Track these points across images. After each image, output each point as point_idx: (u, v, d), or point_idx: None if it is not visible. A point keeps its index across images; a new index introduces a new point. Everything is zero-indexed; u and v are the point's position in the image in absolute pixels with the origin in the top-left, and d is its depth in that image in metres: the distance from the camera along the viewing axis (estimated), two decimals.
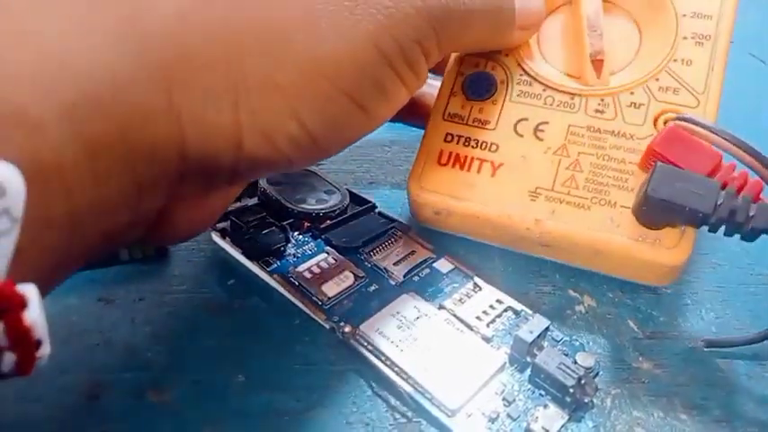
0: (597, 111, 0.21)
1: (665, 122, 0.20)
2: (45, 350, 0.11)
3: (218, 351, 0.18)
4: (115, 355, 0.18)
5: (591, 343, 0.19)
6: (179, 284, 0.20)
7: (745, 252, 0.23)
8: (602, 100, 0.21)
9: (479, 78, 0.22)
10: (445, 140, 0.21)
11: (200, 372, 0.17)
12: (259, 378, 0.17)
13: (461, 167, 0.21)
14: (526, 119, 0.21)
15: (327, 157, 0.18)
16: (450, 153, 0.21)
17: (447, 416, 0.16)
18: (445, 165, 0.21)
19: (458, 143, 0.21)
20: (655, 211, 0.18)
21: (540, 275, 0.21)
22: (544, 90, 0.21)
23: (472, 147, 0.21)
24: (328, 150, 0.17)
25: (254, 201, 0.23)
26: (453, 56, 0.23)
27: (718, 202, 0.17)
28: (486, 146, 0.21)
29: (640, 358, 0.18)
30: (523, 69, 0.22)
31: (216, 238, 0.22)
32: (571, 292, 0.21)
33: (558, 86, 0.21)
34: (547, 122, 0.21)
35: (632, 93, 0.20)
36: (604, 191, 0.19)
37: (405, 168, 0.28)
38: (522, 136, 0.21)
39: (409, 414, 0.16)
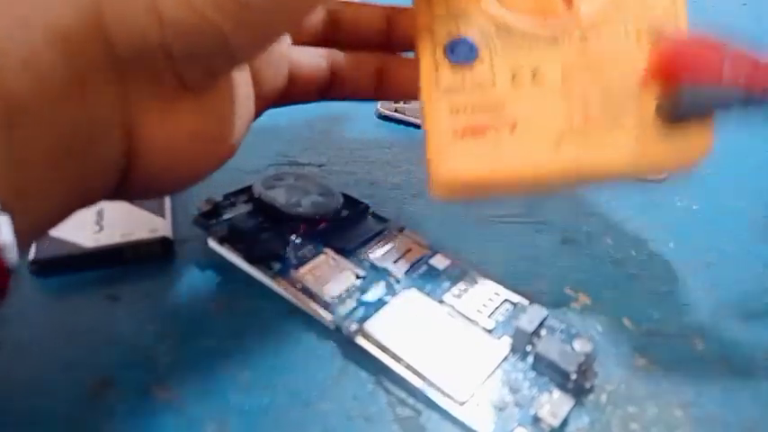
0: (581, 39, 0.21)
1: (650, 41, 0.20)
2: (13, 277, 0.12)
3: (222, 348, 0.18)
4: (121, 352, 0.18)
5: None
6: (184, 283, 0.21)
7: (741, 251, 0.23)
8: (581, 32, 0.21)
9: (459, 43, 0.22)
10: (452, 114, 0.22)
11: (204, 369, 0.18)
12: (262, 375, 0.17)
13: (478, 136, 0.21)
14: (520, 68, 0.21)
15: (268, 39, 0.16)
16: (464, 127, 0.21)
17: (457, 407, 0.16)
18: (463, 137, 0.21)
19: (465, 112, 0.21)
20: (687, 98, 0.18)
21: (536, 274, 0.22)
22: (523, 38, 0.21)
23: (480, 112, 0.21)
24: (262, 20, 0.15)
25: (249, 207, 0.23)
26: (420, 34, 0.22)
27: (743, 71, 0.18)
28: (493, 107, 0.21)
29: (635, 355, 0.19)
30: (495, 24, 0.22)
31: (214, 245, 0.22)
32: (567, 290, 0.21)
33: (536, 31, 0.21)
34: (539, 67, 0.21)
35: (607, 19, 0.21)
36: (620, 108, 0.20)
37: (405, 169, 0.28)
38: (522, 87, 0.21)
39: (419, 407, 0.17)
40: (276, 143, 0.30)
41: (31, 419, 0.16)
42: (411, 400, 0.17)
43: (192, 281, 0.21)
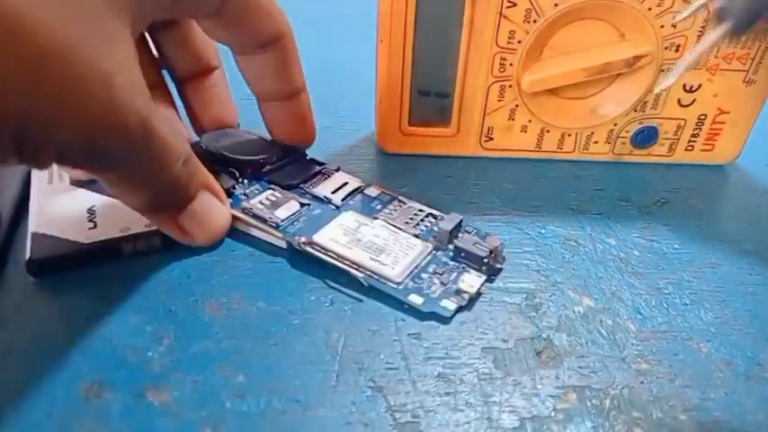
0: None
1: None
2: None
3: (217, 351, 0.18)
4: (116, 354, 0.18)
5: (590, 343, 0.19)
6: (179, 283, 0.20)
7: (744, 252, 0.23)
8: None
9: None
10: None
11: (200, 372, 0.17)
12: (259, 378, 0.17)
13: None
14: None
15: None
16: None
17: (395, 287, 0.20)
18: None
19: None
20: None
21: (541, 275, 0.22)
22: None
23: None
24: None
25: (199, 158, 0.24)
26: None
27: None
28: None
29: (639, 359, 0.18)
30: None
31: None
32: (570, 293, 0.21)
33: None
34: None
35: None
36: None
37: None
38: None
39: (418, 413, 0.16)
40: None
41: (24, 421, 0.16)
42: (411, 405, 0.17)
43: (187, 282, 0.20)
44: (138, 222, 0.21)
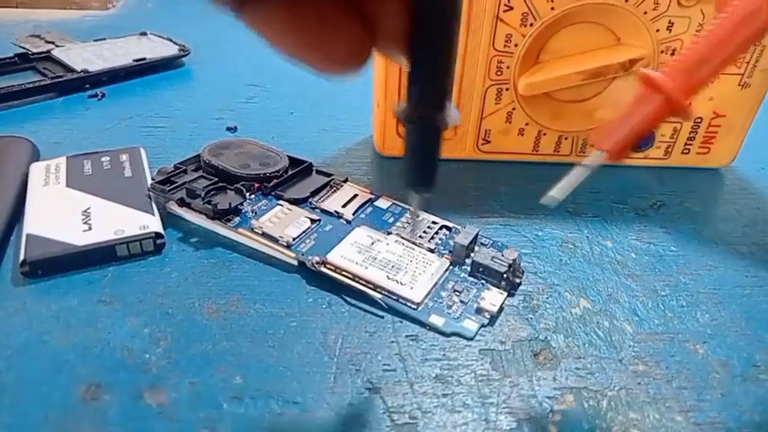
0: None
1: None
2: None
3: (215, 353, 0.18)
4: (113, 356, 0.18)
5: (587, 345, 0.19)
6: (176, 286, 0.20)
7: (740, 254, 0.23)
8: None
9: None
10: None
11: (197, 373, 0.17)
12: (256, 380, 0.17)
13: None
14: None
15: None
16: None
17: (413, 309, 0.20)
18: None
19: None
20: None
21: (538, 277, 0.22)
22: None
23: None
24: None
25: (200, 173, 0.24)
26: None
27: None
28: None
29: (636, 360, 0.18)
30: None
31: (174, 208, 0.23)
32: (567, 295, 0.21)
33: None
34: None
35: None
36: None
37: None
38: None
39: (416, 414, 0.16)
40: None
41: (22, 423, 0.16)
42: (408, 407, 0.17)
43: (184, 284, 0.20)
44: (132, 226, 0.21)
